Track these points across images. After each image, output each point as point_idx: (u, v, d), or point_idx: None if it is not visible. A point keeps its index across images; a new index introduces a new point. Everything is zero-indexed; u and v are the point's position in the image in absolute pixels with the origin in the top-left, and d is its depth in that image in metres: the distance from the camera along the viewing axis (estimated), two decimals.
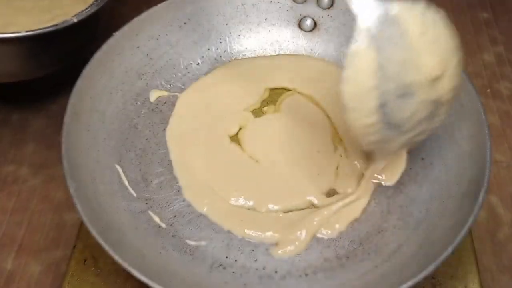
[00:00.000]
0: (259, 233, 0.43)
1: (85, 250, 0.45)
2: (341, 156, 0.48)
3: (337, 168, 0.47)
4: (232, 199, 0.46)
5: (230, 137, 0.50)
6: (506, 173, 0.56)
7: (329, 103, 0.52)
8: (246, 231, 0.43)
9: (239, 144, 0.49)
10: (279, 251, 0.42)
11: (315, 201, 0.45)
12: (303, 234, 0.43)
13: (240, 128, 0.50)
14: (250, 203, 0.45)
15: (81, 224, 0.47)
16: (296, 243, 0.43)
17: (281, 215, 0.45)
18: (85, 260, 0.44)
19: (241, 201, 0.45)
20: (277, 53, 0.55)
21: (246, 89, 0.53)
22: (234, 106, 0.52)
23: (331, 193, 0.46)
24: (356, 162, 0.48)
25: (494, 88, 0.64)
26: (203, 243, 0.43)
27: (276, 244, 0.43)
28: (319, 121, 0.51)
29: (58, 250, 0.50)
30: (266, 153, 0.49)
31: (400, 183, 0.46)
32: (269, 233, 0.43)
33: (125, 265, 0.36)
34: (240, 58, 0.55)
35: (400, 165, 0.47)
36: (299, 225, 0.43)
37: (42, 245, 0.51)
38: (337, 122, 0.50)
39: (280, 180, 0.47)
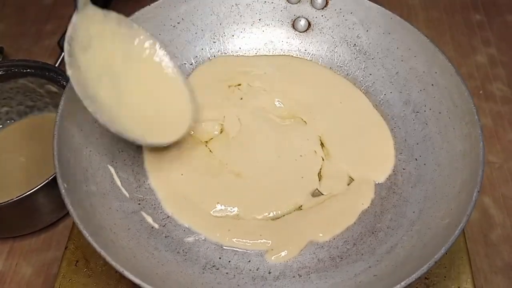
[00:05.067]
0: (250, 241, 0.43)
1: (77, 251, 0.44)
2: (323, 159, 0.47)
3: (320, 170, 0.47)
4: (214, 210, 0.44)
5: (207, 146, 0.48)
6: (499, 174, 0.56)
7: (306, 107, 0.51)
8: (235, 240, 0.43)
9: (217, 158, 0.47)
10: (273, 257, 0.42)
11: (302, 202, 0.45)
12: (296, 240, 0.43)
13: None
14: (234, 210, 0.44)
15: (73, 225, 0.46)
16: (290, 247, 0.42)
17: (269, 222, 0.44)
18: (76, 262, 0.44)
19: (224, 211, 0.44)
20: (271, 53, 0.55)
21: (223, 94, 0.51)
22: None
23: (316, 194, 0.46)
24: (340, 164, 0.47)
25: (487, 89, 0.64)
26: (201, 237, 0.43)
27: (269, 250, 0.42)
28: (299, 126, 0.50)
29: (49, 251, 0.50)
30: (246, 165, 0.47)
31: (393, 183, 0.46)
32: (260, 240, 0.43)
33: (117, 266, 0.36)
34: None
35: (389, 162, 0.47)
36: (291, 230, 0.43)
37: (34, 246, 0.50)
38: (317, 126, 0.50)
39: (264, 187, 0.45)
